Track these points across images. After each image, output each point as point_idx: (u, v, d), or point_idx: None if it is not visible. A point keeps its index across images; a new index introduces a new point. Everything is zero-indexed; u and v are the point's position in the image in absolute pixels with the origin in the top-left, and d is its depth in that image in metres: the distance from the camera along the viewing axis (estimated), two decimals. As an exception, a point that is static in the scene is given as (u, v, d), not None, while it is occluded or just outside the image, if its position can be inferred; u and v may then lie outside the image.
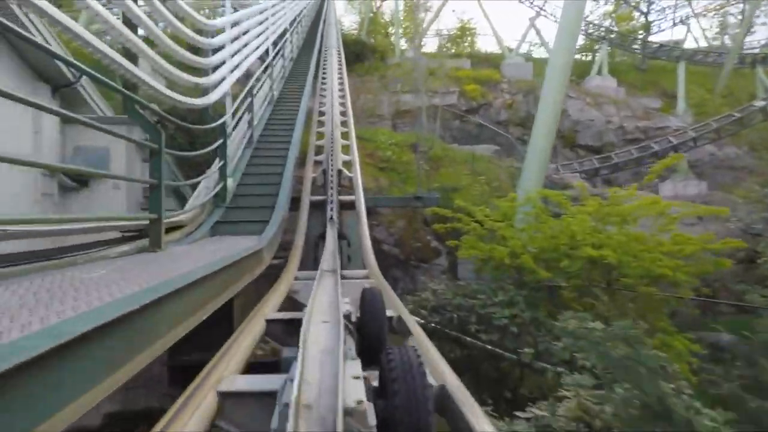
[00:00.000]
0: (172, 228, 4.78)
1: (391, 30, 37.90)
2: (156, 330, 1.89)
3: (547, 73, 11.91)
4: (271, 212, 5.73)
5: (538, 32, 32.77)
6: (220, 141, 5.74)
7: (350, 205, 7.45)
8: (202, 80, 5.73)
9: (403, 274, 10.67)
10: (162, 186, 3.73)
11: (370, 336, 2.15)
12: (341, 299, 2.32)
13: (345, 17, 39.13)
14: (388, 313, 2.61)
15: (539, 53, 34.60)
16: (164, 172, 3.77)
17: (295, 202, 7.02)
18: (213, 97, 5.96)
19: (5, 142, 6.47)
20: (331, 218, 6.20)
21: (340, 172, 7.75)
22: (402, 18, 35.67)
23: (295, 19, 15.70)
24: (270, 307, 3.09)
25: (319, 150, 9.09)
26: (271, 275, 5.03)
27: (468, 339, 6.06)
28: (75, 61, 3.22)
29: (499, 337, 5.84)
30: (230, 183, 6.09)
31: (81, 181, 7.85)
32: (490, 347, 6.10)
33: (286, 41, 13.34)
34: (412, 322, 2.52)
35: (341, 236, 6.40)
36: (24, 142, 6.84)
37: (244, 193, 6.36)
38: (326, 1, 25.39)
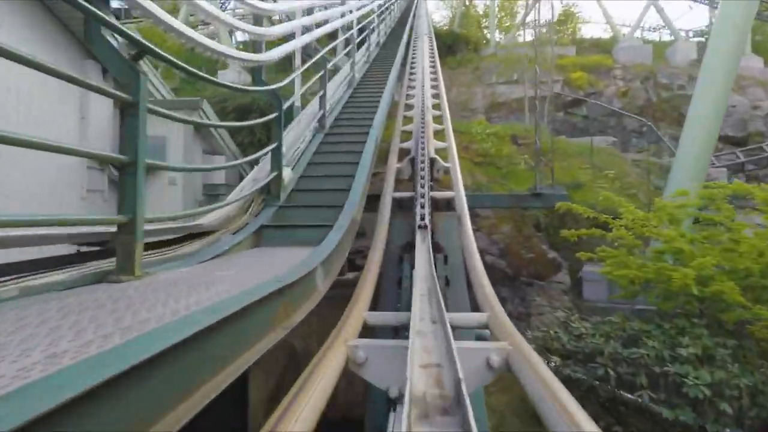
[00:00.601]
0: (193, 235, 3.29)
1: (484, 22, 36.15)
2: None
3: (712, 42, 9.53)
4: (340, 213, 4.06)
5: (659, 11, 28.37)
6: (274, 115, 4.17)
7: (446, 205, 5.64)
8: (259, 29, 4.22)
9: (511, 293, 8.47)
10: (141, 166, 2.17)
11: None
12: None
13: (436, 13, 38.24)
14: None
15: (656, 37, 30.43)
16: (145, 145, 2.20)
17: (373, 201, 5.33)
18: (272, 54, 4.44)
19: (46, 128, 5.55)
20: (422, 225, 4.40)
21: (433, 161, 5.95)
22: (497, 8, 33.49)
23: (383, 3, 14.62)
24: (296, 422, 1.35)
25: (406, 137, 7.37)
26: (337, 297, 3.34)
27: (649, 406, 3.86)
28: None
29: (695, 417, 3.62)
30: (288, 174, 4.52)
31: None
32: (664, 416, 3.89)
33: (372, 21, 12.02)
34: None
35: (436, 248, 4.59)
36: (68, 129, 5.92)
37: (307, 187, 4.77)
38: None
